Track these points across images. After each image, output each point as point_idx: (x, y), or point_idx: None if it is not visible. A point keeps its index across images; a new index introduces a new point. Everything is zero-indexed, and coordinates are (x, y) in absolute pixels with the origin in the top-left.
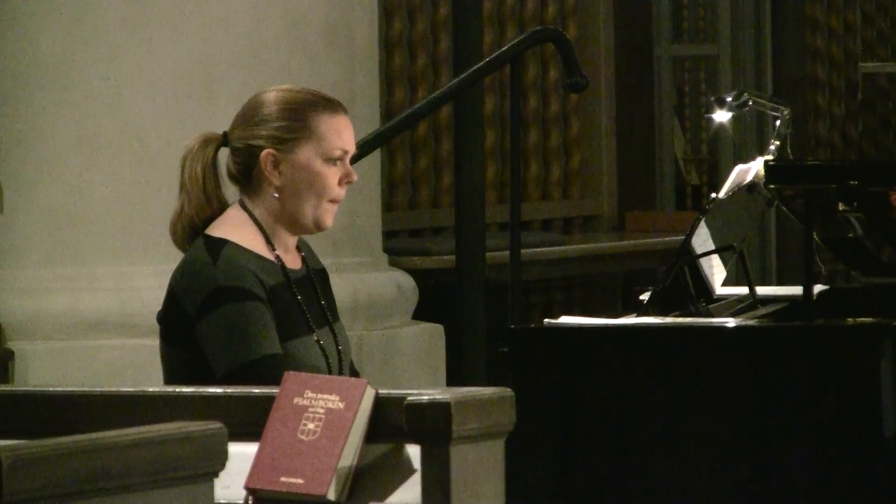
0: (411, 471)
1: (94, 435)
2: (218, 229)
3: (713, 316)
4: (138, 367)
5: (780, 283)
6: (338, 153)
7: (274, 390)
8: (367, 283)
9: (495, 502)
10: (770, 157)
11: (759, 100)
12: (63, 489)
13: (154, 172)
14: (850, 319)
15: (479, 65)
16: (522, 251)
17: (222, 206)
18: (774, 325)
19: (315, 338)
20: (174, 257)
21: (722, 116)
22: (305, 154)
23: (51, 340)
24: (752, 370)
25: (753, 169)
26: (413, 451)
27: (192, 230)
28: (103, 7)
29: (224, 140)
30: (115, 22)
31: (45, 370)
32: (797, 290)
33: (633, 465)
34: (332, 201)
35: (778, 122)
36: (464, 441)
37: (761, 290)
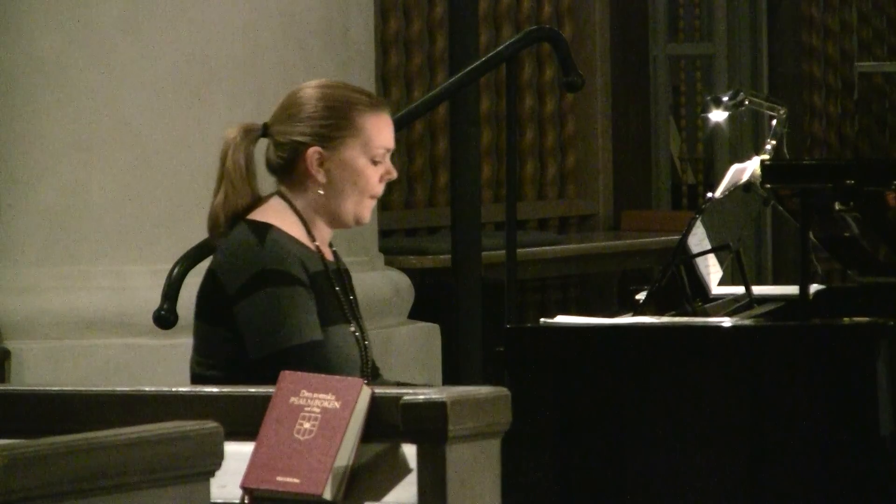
0: (407, 470)
1: (90, 434)
2: (261, 215)
3: (709, 315)
4: (135, 367)
5: (776, 282)
6: (381, 151)
7: (270, 389)
8: (363, 283)
9: (491, 502)
10: (766, 156)
11: (755, 99)
12: (59, 488)
13: (151, 172)
14: (846, 319)
15: (475, 64)
16: (518, 250)
17: (261, 197)
18: (771, 325)
19: (352, 328)
20: (171, 256)
21: (718, 116)
22: (350, 152)
23: (47, 339)
24: (748, 370)
25: (749, 168)
26: (409, 451)
27: (234, 219)
28: (100, 7)
29: (264, 131)
30: (111, 22)
31: (41, 369)
32: (793, 289)
33: (629, 464)
34: (372, 197)
35: (774, 122)
36: (460, 440)
37: (757, 290)
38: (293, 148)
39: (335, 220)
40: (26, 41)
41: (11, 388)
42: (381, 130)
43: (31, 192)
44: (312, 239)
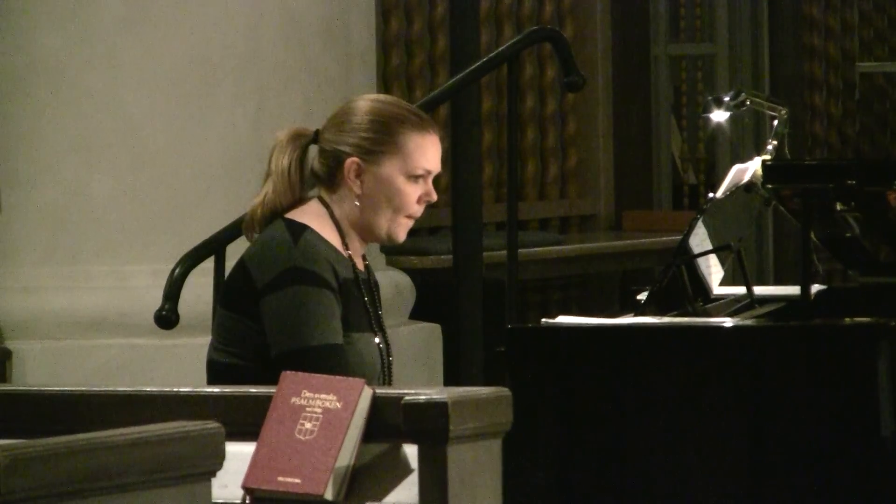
0: (408, 470)
1: (91, 434)
2: (299, 216)
3: (710, 316)
4: (136, 367)
5: (777, 282)
6: (420, 172)
7: (271, 390)
8: None
9: (492, 502)
10: (767, 156)
11: (756, 99)
12: (60, 488)
13: (152, 172)
14: (847, 319)
15: (476, 64)
16: (520, 251)
17: (302, 199)
18: (772, 325)
19: (376, 339)
20: (172, 256)
21: (719, 116)
22: (389, 169)
23: (48, 339)
24: (749, 370)
25: (751, 168)
26: (410, 451)
27: (272, 216)
28: (101, 6)
29: (314, 137)
30: (112, 21)
31: (42, 369)
32: (795, 289)
33: (630, 464)
34: (409, 217)
35: (775, 122)
36: (461, 441)
37: (759, 290)
38: (335, 157)
39: (368, 234)
40: (26, 41)
41: (12, 388)
42: (423, 151)
43: (32, 191)
44: (346, 247)
